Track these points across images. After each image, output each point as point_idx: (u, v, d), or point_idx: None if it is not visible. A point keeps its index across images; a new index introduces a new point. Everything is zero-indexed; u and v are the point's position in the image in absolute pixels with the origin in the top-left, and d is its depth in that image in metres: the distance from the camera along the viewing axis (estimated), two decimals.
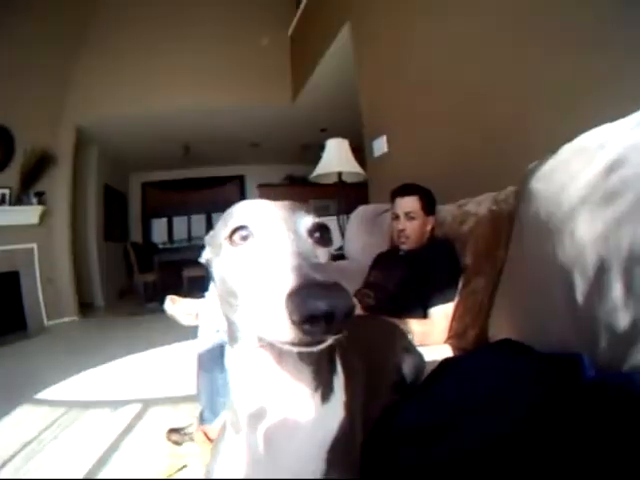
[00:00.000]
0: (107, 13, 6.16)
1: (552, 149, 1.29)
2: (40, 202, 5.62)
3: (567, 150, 1.20)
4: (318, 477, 0.63)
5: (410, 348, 1.21)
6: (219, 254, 0.65)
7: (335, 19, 4.56)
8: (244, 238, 0.62)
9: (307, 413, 0.65)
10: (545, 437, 0.62)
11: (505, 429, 0.66)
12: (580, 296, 0.93)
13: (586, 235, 0.94)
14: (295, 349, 0.50)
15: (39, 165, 5.62)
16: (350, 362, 0.77)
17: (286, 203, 0.69)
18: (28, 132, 5.49)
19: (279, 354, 0.63)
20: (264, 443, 0.65)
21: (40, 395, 2.69)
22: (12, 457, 1.93)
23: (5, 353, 4.04)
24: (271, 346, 0.61)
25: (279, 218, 0.63)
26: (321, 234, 0.65)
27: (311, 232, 0.64)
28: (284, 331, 0.47)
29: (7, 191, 5.35)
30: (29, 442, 2.07)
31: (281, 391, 0.64)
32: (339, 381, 0.71)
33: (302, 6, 5.86)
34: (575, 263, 0.95)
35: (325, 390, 0.67)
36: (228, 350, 0.74)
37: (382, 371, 0.98)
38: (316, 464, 0.64)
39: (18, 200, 5.43)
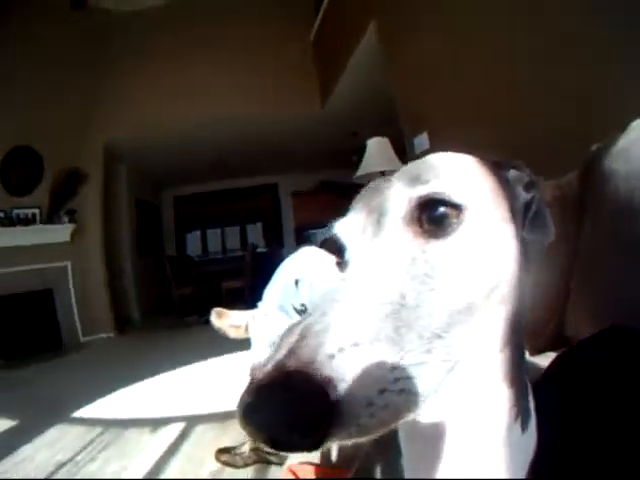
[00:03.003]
0: (133, 30, 6.12)
1: (605, 135, 1.22)
2: (71, 220, 5.54)
3: (638, 126, 1.11)
4: None
5: None
6: None
7: (359, 19, 4.38)
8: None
9: (503, 457, 0.44)
10: None
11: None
12: None
13: None
14: None
15: (69, 184, 5.55)
16: None
17: None
18: (57, 151, 5.44)
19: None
20: None
21: (76, 414, 2.58)
22: (46, 479, 1.80)
23: (41, 370, 3.95)
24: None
25: None
26: None
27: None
28: None
29: (37, 210, 5.28)
30: (64, 463, 1.94)
31: (473, 431, 0.44)
32: (532, 400, 0.51)
33: (322, 10, 5.71)
34: None
35: (524, 416, 0.47)
36: None
37: None
38: None
39: (49, 219, 5.36)
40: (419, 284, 0.36)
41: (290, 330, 0.33)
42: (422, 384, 0.32)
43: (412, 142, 3.55)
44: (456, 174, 0.42)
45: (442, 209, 0.39)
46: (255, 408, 0.28)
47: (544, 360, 1.02)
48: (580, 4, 1.89)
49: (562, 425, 0.57)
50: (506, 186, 0.45)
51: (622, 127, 1.15)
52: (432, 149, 3.29)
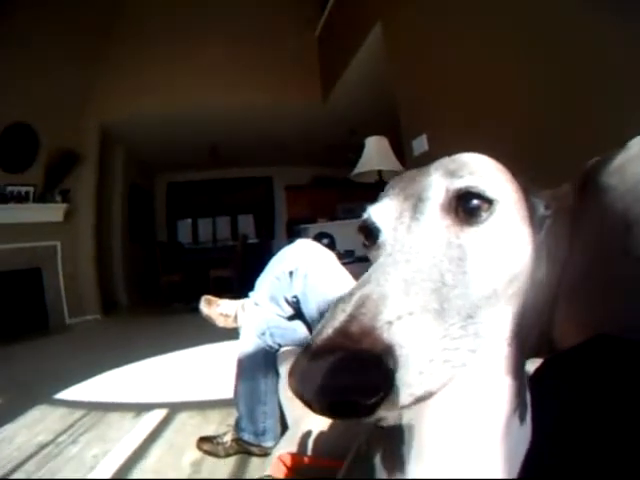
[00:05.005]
0: (134, 11, 6.06)
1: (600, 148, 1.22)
2: (65, 200, 5.51)
3: (637, 144, 1.10)
4: None
5: None
6: None
7: (365, 18, 4.39)
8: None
9: (502, 446, 0.46)
10: None
11: None
12: None
13: None
14: None
15: (64, 164, 5.51)
16: None
17: None
18: (53, 130, 5.40)
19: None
20: None
21: (59, 395, 2.57)
22: (26, 460, 1.79)
23: (25, 350, 3.93)
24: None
25: None
26: None
27: None
28: None
29: (31, 189, 5.24)
30: (45, 445, 1.93)
31: (475, 419, 0.46)
32: (528, 392, 0.53)
33: (329, 6, 5.72)
34: None
35: (522, 408, 0.49)
36: None
37: None
38: None
39: (42, 198, 5.32)
40: (455, 266, 0.39)
41: (343, 299, 0.33)
42: (461, 356, 0.33)
43: (411, 143, 3.56)
44: (487, 172, 0.45)
45: (476, 201, 0.42)
46: (317, 372, 0.28)
47: (529, 365, 1.05)
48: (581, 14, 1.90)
49: (553, 422, 0.57)
50: (526, 195, 0.48)
51: (621, 141, 1.16)
52: (430, 152, 3.31)
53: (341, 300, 0.33)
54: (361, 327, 0.29)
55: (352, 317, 0.30)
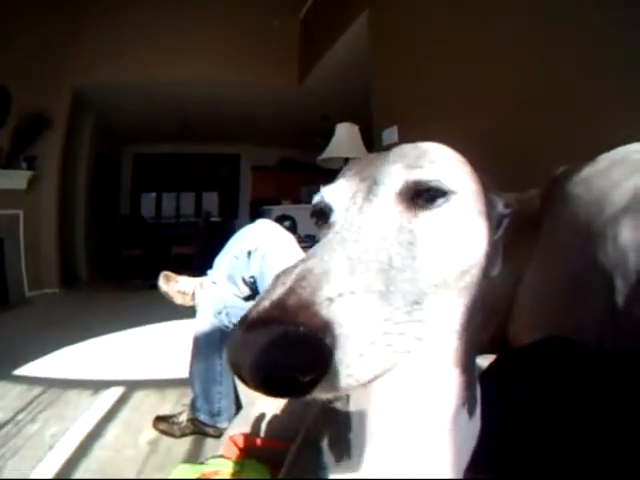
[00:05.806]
0: None
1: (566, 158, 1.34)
2: (30, 167, 5.31)
3: (606, 159, 1.20)
4: None
5: None
6: None
7: (352, 6, 4.37)
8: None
9: (449, 438, 0.47)
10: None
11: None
12: (620, 298, 0.93)
13: (629, 241, 0.95)
14: None
15: (33, 128, 5.32)
16: None
17: None
18: (25, 92, 5.19)
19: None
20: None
21: (18, 371, 2.57)
22: None
23: None
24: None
25: None
26: None
27: None
28: None
29: None
30: (5, 423, 1.95)
31: (422, 410, 0.47)
32: (478, 387, 0.54)
33: None
34: (617, 266, 0.96)
35: (472, 402, 0.51)
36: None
37: None
38: None
39: (8, 164, 5.11)
40: (405, 250, 0.38)
41: (285, 272, 0.33)
42: (404, 342, 0.32)
43: (381, 133, 3.61)
44: (447, 162, 0.45)
45: (433, 191, 0.42)
46: (251, 345, 0.27)
47: (482, 361, 1.11)
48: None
49: (502, 416, 0.61)
50: (485, 191, 0.49)
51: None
52: (400, 143, 3.37)
53: (283, 273, 0.33)
54: (299, 301, 0.29)
55: (291, 290, 0.30)
